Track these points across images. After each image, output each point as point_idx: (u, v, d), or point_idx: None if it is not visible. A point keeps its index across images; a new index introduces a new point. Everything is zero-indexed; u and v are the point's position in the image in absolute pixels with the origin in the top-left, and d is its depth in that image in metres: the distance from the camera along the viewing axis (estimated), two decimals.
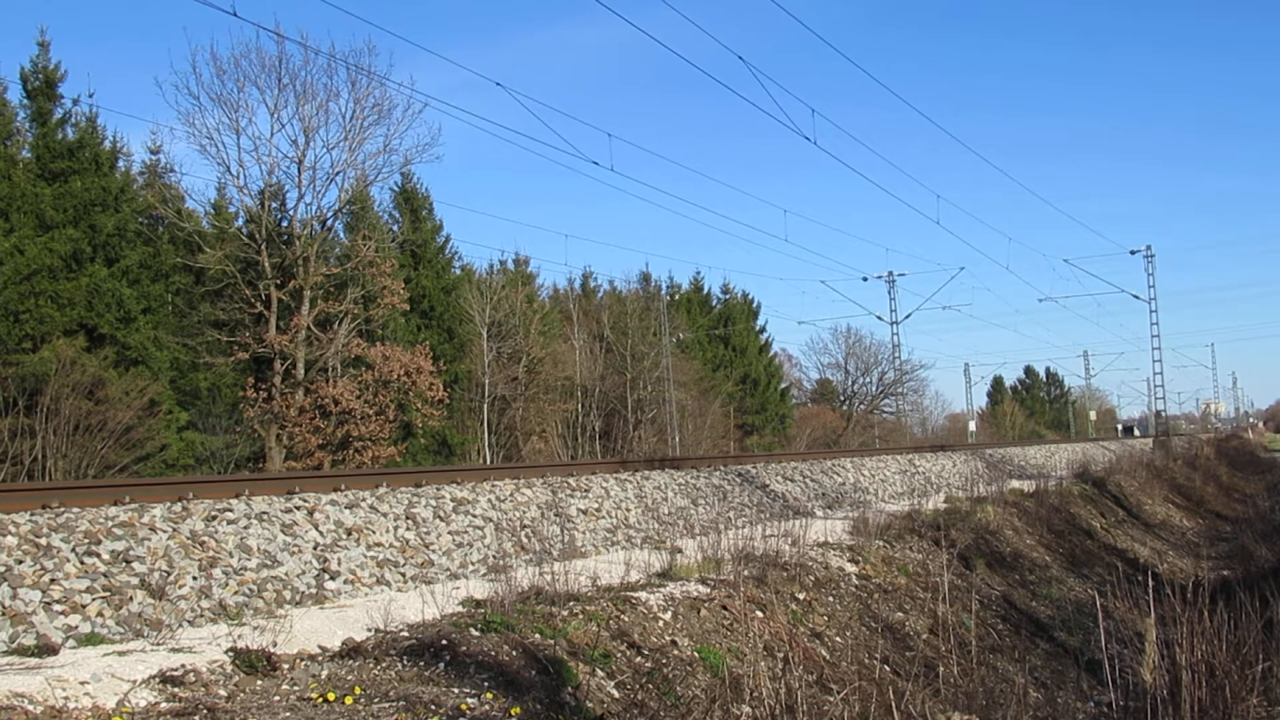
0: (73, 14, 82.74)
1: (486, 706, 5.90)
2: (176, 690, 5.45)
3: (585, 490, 12.85)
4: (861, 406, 56.54)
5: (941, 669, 8.89)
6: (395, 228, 32.17)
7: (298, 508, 9.35)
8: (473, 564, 9.98)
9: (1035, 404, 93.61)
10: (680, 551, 11.14)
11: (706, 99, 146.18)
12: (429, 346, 28.63)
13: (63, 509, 8.10)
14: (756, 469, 17.92)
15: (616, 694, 6.93)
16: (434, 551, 9.82)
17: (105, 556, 7.39)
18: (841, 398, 58.56)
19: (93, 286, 21.92)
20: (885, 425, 58.32)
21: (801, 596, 10.26)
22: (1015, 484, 22.19)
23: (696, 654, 7.98)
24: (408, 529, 9.93)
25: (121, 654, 6.01)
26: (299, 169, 26.26)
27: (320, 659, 6.36)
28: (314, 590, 8.33)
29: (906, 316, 66.49)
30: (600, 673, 7.07)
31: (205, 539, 8.15)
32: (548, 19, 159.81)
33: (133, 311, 22.64)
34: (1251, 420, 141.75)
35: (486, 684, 6.20)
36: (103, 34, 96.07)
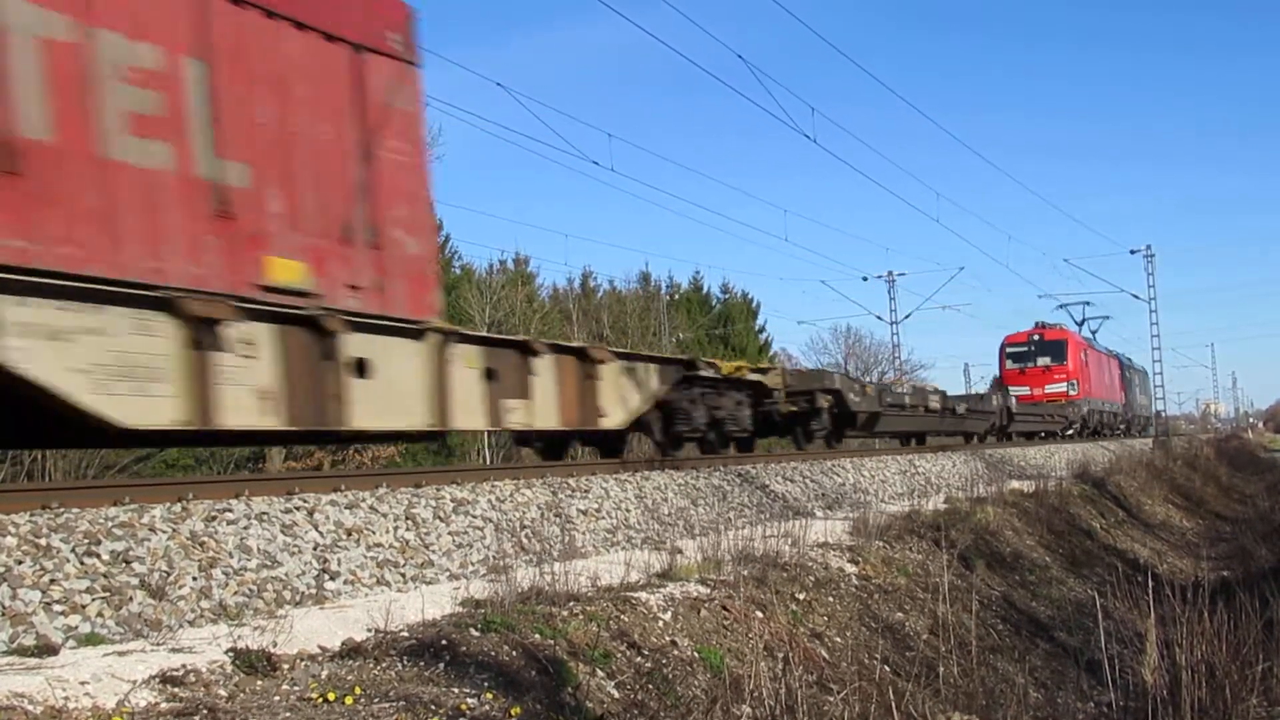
0: None
1: (486, 706, 5.91)
2: (176, 690, 5.46)
3: (585, 491, 12.85)
4: None
5: (941, 669, 8.89)
6: None
7: (298, 508, 9.35)
8: (473, 564, 9.98)
9: None
10: (680, 552, 11.15)
11: (707, 98, 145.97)
12: None
13: (63, 509, 8.09)
14: (756, 469, 17.92)
15: (616, 694, 6.94)
16: (434, 552, 9.82)
17: (105, 557, 7.40)
18: None
19: None
20: None
21: (801, 597, 10.26)
22: (1015, 484, 22.19)
23: (696, 654, 7.99)
24: (408, 529, 9.93)
25: (121, 654, 6.01)
26: None
27: (320, 659, 6.36)
28: (314, 590, 8.33)
29: (906, 316, 66.41)
30: (600, 673, 7.07)
31: (205, 539, 8.15)
32: (548, 19, 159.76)
33: None
34: (1251, 420, 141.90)
35: (486, 684, 6.21)
36: None
